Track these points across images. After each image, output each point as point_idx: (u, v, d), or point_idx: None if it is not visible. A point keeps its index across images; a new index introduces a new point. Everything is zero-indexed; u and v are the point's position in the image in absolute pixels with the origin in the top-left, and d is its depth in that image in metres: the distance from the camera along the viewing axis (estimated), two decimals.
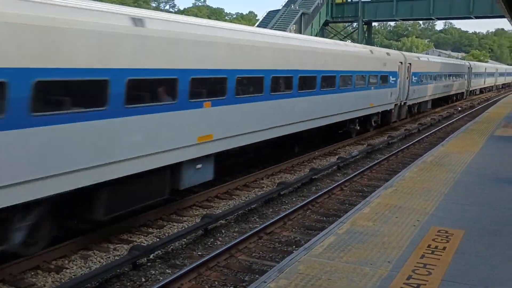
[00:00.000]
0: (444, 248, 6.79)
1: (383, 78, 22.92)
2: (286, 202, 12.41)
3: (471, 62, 55.16)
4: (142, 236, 9.64)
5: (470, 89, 50.82)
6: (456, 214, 8.48)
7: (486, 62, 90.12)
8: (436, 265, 6.23)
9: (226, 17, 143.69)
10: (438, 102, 39.16)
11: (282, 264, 6.15)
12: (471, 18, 57.11)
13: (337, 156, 17.79)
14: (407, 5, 56.54)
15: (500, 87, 79.12)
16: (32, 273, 7.86)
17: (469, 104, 44.92)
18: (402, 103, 26.64)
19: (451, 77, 40.12)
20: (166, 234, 9.74)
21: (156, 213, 10.62)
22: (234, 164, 14.82)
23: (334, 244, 6.81)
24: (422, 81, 30.28)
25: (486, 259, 6.53)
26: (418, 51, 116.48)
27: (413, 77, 27.81)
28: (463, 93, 47.14)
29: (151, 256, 8.49)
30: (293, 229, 10.26)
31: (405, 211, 8.50)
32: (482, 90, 60.92)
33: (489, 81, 64.42)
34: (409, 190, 10.01)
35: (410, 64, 27.11)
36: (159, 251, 8.69)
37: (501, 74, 76.21)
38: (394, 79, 24.41)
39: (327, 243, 6.85)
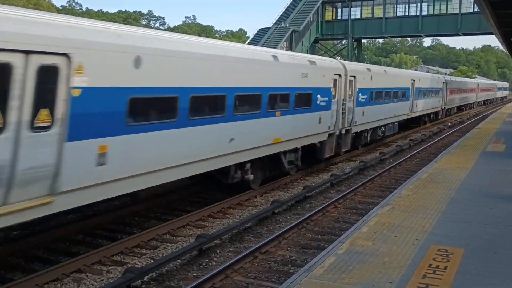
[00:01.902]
0: (446, 268, 6.69)
1: (436, 92, 37.42)
2: (281, 220, 12.28)
3: (478, 80, 72.92)
4: (136, 258, 9.43)
5: (478, 100, 64.61)
6: (454, 232, 8.39)
7: (474, 78, 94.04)
8: (438, 285, 6.12)
9: (216, 35, 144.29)
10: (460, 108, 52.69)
11: (283, 286, 5.99)
12: (459, 35, 57.97)
13: (330, 173, 17.73)
14: (396, 22, 57.28)
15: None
16: None
17: (459, 120, 45.28)
18: (443, 107, 40.51)
19: (466, 92, 52.63)
20: (160, 255, 9.55)
21: (149, 234, 10.43)
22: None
23: (334, 265, 6.67)
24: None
25: (488, 279, 6.43)
26: (407, 67, 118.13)
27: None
28: (473, 103, 60.37)
29: (146, 278, 8.28)
30: (289, 248, 10.13)
31: (404, 230, 8.40)
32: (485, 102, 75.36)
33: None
34: (406, 208, 9.92)
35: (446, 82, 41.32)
36: (154, 273, 8.48)
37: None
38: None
39: (327, 263, 6.71)
